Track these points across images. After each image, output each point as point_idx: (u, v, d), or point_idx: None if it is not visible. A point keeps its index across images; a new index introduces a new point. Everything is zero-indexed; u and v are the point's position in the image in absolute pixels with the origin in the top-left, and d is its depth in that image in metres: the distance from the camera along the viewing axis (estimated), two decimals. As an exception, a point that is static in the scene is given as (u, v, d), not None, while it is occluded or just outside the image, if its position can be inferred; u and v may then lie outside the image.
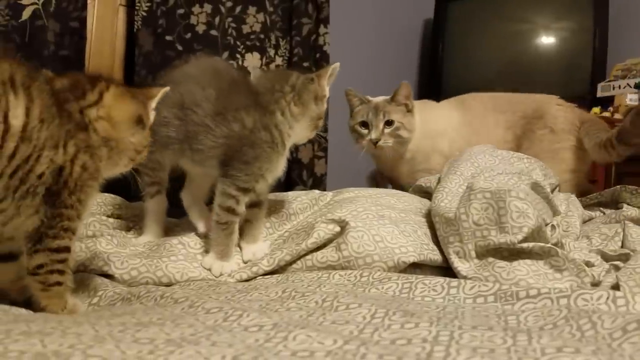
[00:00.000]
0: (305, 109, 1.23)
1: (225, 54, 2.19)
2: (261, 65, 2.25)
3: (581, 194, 1.80)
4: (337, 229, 1.21)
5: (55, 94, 0.85)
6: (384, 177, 2.14)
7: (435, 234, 1.24)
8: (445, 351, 0.60)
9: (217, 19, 2.17)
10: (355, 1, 2.94)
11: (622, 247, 1.30)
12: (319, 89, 1.25)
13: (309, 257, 1.19)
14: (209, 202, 1.36)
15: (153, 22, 2.04)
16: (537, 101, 2.01)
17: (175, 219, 1.44)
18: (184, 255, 1.20)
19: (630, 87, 2.70)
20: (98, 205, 1.42)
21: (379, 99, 1.96)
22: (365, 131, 1.93)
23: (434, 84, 3.09)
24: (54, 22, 1.79)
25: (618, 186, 1.68)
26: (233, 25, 2.21)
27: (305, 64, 2.39)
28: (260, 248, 1.22)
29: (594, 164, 2.08)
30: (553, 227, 1.28)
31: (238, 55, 2.22)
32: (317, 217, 1.28)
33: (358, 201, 1.31)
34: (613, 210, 1.62)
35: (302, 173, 2.41)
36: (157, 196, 1.32)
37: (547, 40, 2.99)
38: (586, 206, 1.72)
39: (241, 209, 1.20)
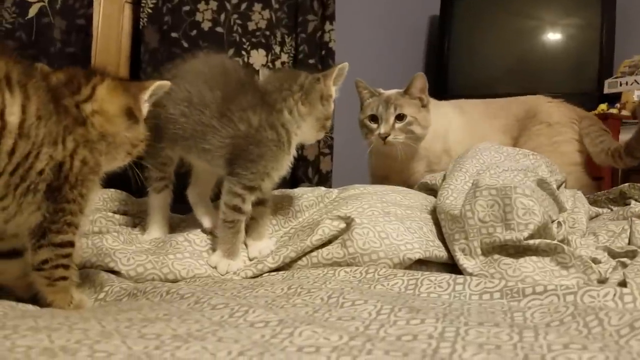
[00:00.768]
0: (312, 109, 1.23)
1: (231, 51, 2.19)
2: (267, 62, 2.25)
3: (583, 187, 1.80)
4: (342, 225, 1.21)
5: (52, 90, 0.86)
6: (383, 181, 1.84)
7: (441, 231, 1.24)
8: (451, 347, 0.60)
9: (222, 16, 2.17)
10: (360, -2, 2.94)
11: (629, 244, 1.30)
12: (325, 89, 1.25)
13: (314, 253, 1.19)
14: (215, 198, 1.37)
15: (159, 19, 2.04)
16: (528, 102, 2.01)
17: (181, 215, 1.44)
18: (190, 252, 1.20)
19: (638, 83, 2.68)
20: (104, 201, 1.42)
21: (391, 91, 1.84)
22: (374, 126, 1.79)
23: (440, 81, 3.08)
24: (60, 20, 1.80)
25: (627, 184, 1.67)
26: (239, 22, 2.21)
27: (311, 61, 2.39)
28: (266, 245, 1.22)
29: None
30: (559, 223, 1.28)
31: (243, 52, 2.21)
32: (322, 214, 1.28)
33: (364, 198, 1.31)
34: (621, 207, 1.61)
35: (308, 170, 2.41)
36: (163, 191, 1.32)
37: (553, 36, 2.98)
38: (593, 202, 1.71)
39: (247, 207, 1.20)
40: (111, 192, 1.46)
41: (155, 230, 1.31)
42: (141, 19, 2.03)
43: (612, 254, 1.20)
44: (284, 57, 2.34)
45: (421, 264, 1.19)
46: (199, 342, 0.60)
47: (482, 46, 3.07)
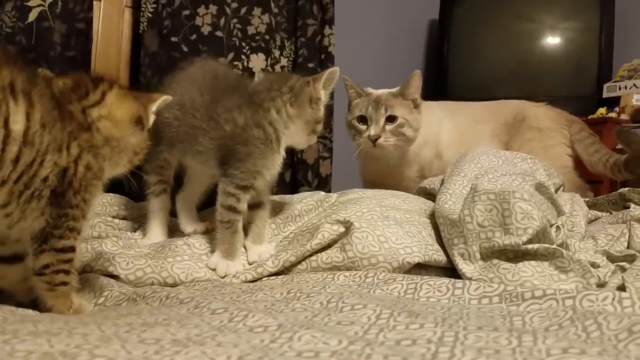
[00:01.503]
0: (301, 111, 1.24)
1: (231, 55, 2.19)
2: (266, 66, 2.25)
3: (576, 190, 1.80)
4: (342, 229, 1.21)
5: (57, 96, 0.86)
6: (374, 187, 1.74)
7: (440, 236, 1.24)
8: (450, 352, 0.60)
9: (222, 20, 2.17)
10: (360, 2, 2.94)
11: (628, 247, 1.30)
12: (314, 92, 1.25)
13: (313, 258, 1.19)
14: (203, 207, 1.40)
15: (159, 23, 2.05)
16: (514, 106, 2.02)
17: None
18: (189, 256, 1.20)
19: (637, 87, 2.69)
20: (103, 206, 1.42)
21: (382, 91, 1.78)
22: (363, 127, 1.73)
23: (439, 84, 3.08)
24: (60, 24, 1.80)
25: (626, 188, 1.68)
26: (238, 26, 2.21)
27: (311, 65, 2.39)
28: (266, 249, 1.23)
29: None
30: (558, 228, 1.28)
31: (243, 56, 2.22)
32: (321, 218, 1.28)
33: (363, 202, 1.31)
34: (620, 211, 1.61)
35: (307, 174, 2.41)
36: (162, 195, 1.34)
37: (553, 40, 2.98)
38: (593, 206, 1.71)
39: (242, 206, 1.21)
40: (110, 196, 1.47)
41: (155, 235, 1.32)
42: (141, 23, 2.04)
43: (611, 258, 1.20)
44: (284, 61, 2.34)
45: (420, 268, 1.19)
46: (198, 347, 0.60)
47: (482, 49, 3.08)
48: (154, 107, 1.00)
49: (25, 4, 1.73)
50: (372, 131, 1.70)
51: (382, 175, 1.85)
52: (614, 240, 1.33)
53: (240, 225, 1.21)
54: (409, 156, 1.83)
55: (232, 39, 2.19)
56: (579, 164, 1.96)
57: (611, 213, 1.64)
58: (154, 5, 2.04)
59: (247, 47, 2.23)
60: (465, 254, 1.16)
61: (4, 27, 1.70)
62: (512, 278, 1.08)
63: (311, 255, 1.20)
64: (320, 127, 1.29)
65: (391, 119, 1.72)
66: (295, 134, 1.26)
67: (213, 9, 2.16)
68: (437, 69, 3.16)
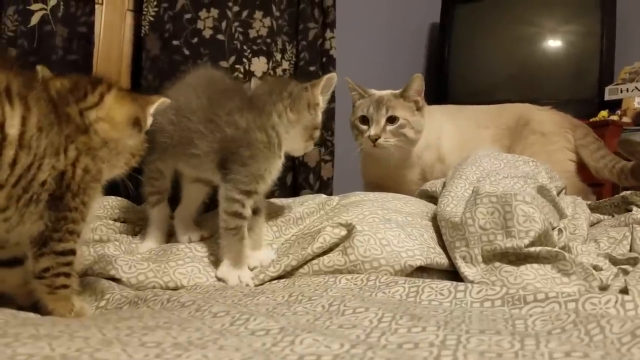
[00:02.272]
0: (300, 116, 1.25)
1: (232, 59, 2.19)
2: (267, 69, 2.25)
3: (578, 193, 1.80)
4: (343, 232, 1.21)
5: (54, 98, 0.86)
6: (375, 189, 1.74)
7: (442, 238, 1.24)
8: (453, 355, 0.60)
9: (224, 24, 2.18)
10: (361, 5, 2.95)
11: (630, 250, 1.29)
12: (312, 98, 1.26)
13: (315, 261, 1.19)
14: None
15: (160, 26, 2.05)
16: (518, 110, 2.01)
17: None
18: (191, 258, 1.20)
19: (638, 90, 2.69)
20: (104, 209, 1.43)
21: (384, 92, 1.79)
22: (364, 127, 1.74)
23: (441, 88, 3.09)
24: (62, 27, 1.81)
25: (629, 191, 1.67)
26: (240, 29, 2.21)
27: (312, 68, 2.39)
28: (267, 255, 1.22)
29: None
30: (560, 230, 1.28)
31: (245, 60, 2.22)
32: (323, 221, 1.28)
33: (364, 205, 1.31)
34: (622, 214, 1.61)
35: (309, 177, 2.41)
36: (158, 205, 1.33)
37: (554, 43, 2.98)
38: (596, 209, 1.71)
39: (247, 212, 1.19)
40: (111, 199, 1.47)
41: (151, 241, 1.32)
42: (143, 27, 2.04)
43: (614, 261, 1.20)
44: (285, 65, 2.34)
45: (422, 271, 1.18)
46: (199, 351, 0.59)
47: (483, 53, 3.08)
48: (151, 109, 1.00)
49: (28, 7, 1.74)
50: (372, 131, 1.72)
51: (383, 177, 1.85)
52: (617, 243, 1.33)
53: (246, 232, 1.20)
54: (410, 159, 1.83)
55: (233, 42, 2.20)
56: (580, 167, 1.95)
57: (613, 216, 1.64)
58: (156, 9, 2.04)
59: (249, 51, 2.23)
60: (467, 257, 1.16)
61: (6, 30, 1.71)
62: (515, 281, 1.07)
63: (313, 258, 1.19)
64: (317, 134, 1.30)
65: (392, 119, 1.73)
66: (294, 139, 1.27)
67: (214, 12, 2.16)
68: (438, 72, 3.16)
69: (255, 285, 1.16)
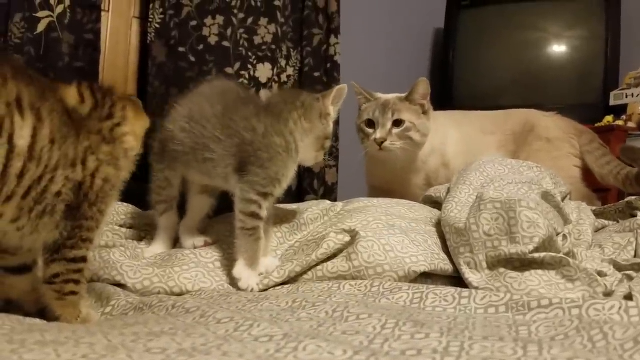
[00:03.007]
0: (313, 126, 1.28)
1: (237, 65, 2.20)
2: (272, 75, 2.26)
3: (583, 199, 1.80)
4: (347, 239, 1.21)
5: (70, 109, 0.86)
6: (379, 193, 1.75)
7: (446, 244, 1.24)
8: (455, 362, 0.60)
9: (229, 30, 2.19)
10: (365, 11, 2.96)
11: (635, 256, 1.29)
12: (324, 108, 1.30)
13: (319, 267, 1.20)
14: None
15: (166, 33, 2.07)
16: (523, 115, 2.00)
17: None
18: (196, 263, 1.21)
19: (643, 95, 2.68)
20: (111, 215, 1.43)
21: (390, 96, 1.79)
22: (370, 130, 1.74)
23: (445, 93, 3.08)
24: (68, 35, 1.82)
25: (633, 197, 1.67)
26: (245, 36, 2.23)
27: (317, 74, 2.40)
28: (272, 262, 1.23)
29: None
30: (564, 236, 1.28)
31: (250, 66, 2.23)
32: (327, 227, 1.28)
33: (368, 211, 1.31)
34: (627, 219, 1.60)
35: (314, 182, 2.41)
36: (166, 213, 1.34)
37: (558, 48, 2.98)
38: (601, 214, 1.70)
39: (264, 213, 1.20)
40: (118, 205, 1.47)
41: (158, 246, 1.33)
42: (149, 34, 2.06)
43: (618, 267, 1.19)
44: (290, 71, 2.35)
45: (426, 277, 1.18)
46: (204, 357, 0.60)
47: (487, 58, 3.08)
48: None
49: (34, 15, 1.75)
50: (379, 134, 1.72)
51: (388, 181, 1.85)
52: (621, 249, 1.33)
53: (262, 232, 1.21)
54: (416, 164, 1.83)
55: (238, 49, 2.21)
56: (586, 172, 1.95)
57: (618, 222, 1.63)
58: (162, 16, 2.06)
59: (254, 57, 2.24)
60: (472, 263, 1.16)
61: (13, 37, 1.72)
62: (519, 287, 1.07)
63: (317, 264, 1.20)
64: (328, 144, 1.33)
65: (398, 123, 1.73)
66: (307, 149, 1.29)
67: (220, 19, 2.17)
68: (442, 77, 3.16)
69: (260, 291, 1.16)
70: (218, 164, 1.23)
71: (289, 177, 1.25)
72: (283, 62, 2.32)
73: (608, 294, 1.05)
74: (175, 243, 1.36)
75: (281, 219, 1.37)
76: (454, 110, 2.18)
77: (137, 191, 1.37)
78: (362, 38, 2.90)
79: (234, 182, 1.22)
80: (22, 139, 0.77)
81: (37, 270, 0.91)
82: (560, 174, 1.68)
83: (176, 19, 2.09)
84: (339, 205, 1.45)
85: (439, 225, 1.32)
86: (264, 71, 2.25)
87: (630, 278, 1.12)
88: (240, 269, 1.17)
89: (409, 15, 3.18)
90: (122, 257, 1.23)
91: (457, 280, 1.18)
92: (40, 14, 1.77)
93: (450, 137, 1.93)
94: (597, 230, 1.57)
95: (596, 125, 2.61)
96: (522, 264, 1.13)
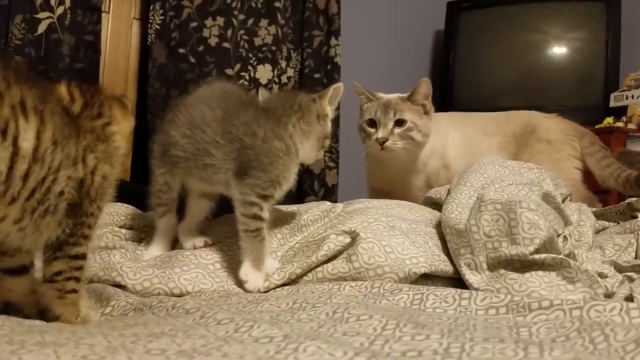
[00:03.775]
0: (312, 128, 1.28)
1: (238, 66, 2.21)
2: (273, 77, 2.26)
3: (583, 201, 1.80)
4: (348, 240, 1.21)
5: (68, 110, 0.87)
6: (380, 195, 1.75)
7: (446, 246, 1.24)
8: (456, 363, 0.60)
9: (229, 32, 2.19)
10: (365, 13, 2.96)
11: (635, 258, 1.29)
12: (321, 109, 1.29)
13: (319, 268, 1.19)
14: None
15: (166, 35, 2.07)
16: (524, 117, 2.01)
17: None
18: (196, 264, 1.20)
19: (644, 96, 2.68)
20: (110, 215, 1.43)
21: (392, 95, 1.80)
22: (372, 130, 1.75)
23: (446, 95, 3.09)
24: (69, 36, 1.83)
25: (634, 198, 1.67)
26: (245, 37, 2.23)
27: (317, 76, 2.40)
28: (272, 264, 1.22)
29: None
30: (565, 238, 1.28)
31: (250, 67, 2.23)
32: (327, 229, 1.28)
33: (368, 212, 1.31)
34: (627, 221, 1.60)
35: (314, 184, 2.41)
36: (165, 216, 1.34)
37: (559, 50, 2.98)
38: (601, 216, 1.70)
39: (266, 214, 1.20)
40: (118, 206, 1.47)
41: (156, 248, 1.33)
42: (149, 35, 2.06)
43: (619, 268, 1.19)
44: (290, 72, 2.35)
45: (427, 278, 1.18)
46: (204, 358, 0.60)
47: (488, 60, 3.08)
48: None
49: (35, 16, 1.76)
50: (380, 134, 1.72)
51: (388, 182, 1.86)
52: (622, 250, 1.33)
53: (266, 233, 1.21)
54: (416, 165, 1.84)
55: (239, 50, 2.21)
56: (586, 174, 1.95)
57: (619, 223, 1.63)
58: (162, 17, 2.06)
59: (254, 58, 2.24)
60: (472, 264, 1.16)
61: (13, 39, 1.72)
62: (519, 288, 1.07)
63: (317, 266, 1.20)
64: (328, 142, 1.33)
65: (400, 122, 1.74)
66: (307, 150, 1.29)
67: (220, 20, 2.18)
68: (443, 79, 3.16)
69: (260, 292, 1.16)
70: (218, 169, 1.23)
71: (289, 179, 1.25)
72: (283, 64, 2.32)
73: (609, 296, 1.05)
74: (174, 245, 1.36)
75: (281, 220, 1.37)
76: (454, 111, 2.18)
77: (137, 192, 1.38)
78: (362, 40, 2.90)
79: (234, 186, 1.22)
80: (27, 142, 0.77)
81: (34, 271, 0.91)
82: (561, 175, 1.68)
83: (176, 20, 2.09)
84: (339, 206, 1.45)
85: (439, 226, 1.32)
86: (264, 72, 2.26)
87: (631, 279, 1.12)
88: (247, 271, 1.17)
89: (409, 17, 3.19)
90: (122, 259, 1.23)
91: (457, 281, 1.18)
92: (41, 15, 1.77)
93: (451, 138, 1.93)
94: (597, 232, 1.57)
95: (596, 126, 2.61)
96: (522, 265, 1.12)
